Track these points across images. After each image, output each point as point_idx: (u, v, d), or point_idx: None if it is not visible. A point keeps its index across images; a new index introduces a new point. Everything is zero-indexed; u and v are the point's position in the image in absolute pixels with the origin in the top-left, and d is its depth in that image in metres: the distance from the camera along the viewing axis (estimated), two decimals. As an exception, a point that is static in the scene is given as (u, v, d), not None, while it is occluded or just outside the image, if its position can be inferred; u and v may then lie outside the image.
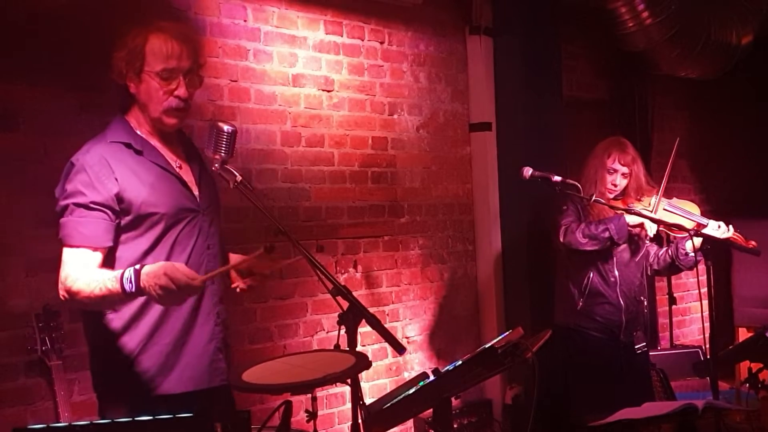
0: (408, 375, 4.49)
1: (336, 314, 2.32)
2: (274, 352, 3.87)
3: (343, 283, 2.35)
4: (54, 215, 2.48)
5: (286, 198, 4.04)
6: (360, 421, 2.33)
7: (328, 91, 4.25)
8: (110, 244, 2.43)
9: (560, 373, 4.04)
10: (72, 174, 2.44)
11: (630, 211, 3.90)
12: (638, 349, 4.12)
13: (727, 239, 3.90)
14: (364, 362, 2.22)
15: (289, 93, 4.07)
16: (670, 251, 4.09)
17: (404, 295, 4.60)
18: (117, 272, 2.32)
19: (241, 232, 3.75)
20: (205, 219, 2.61)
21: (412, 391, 2.71)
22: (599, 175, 4.02)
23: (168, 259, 2.48)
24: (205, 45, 2.68)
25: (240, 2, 3.88)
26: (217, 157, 2.47)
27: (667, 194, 4.11)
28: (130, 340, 2.49)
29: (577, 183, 3.82)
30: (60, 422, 2.85)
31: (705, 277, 3.86)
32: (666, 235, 4.31)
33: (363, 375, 3.67)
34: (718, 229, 3.88)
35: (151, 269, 2.28)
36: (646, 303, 4.20)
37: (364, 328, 2.30)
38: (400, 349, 2.23)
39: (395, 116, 4.58)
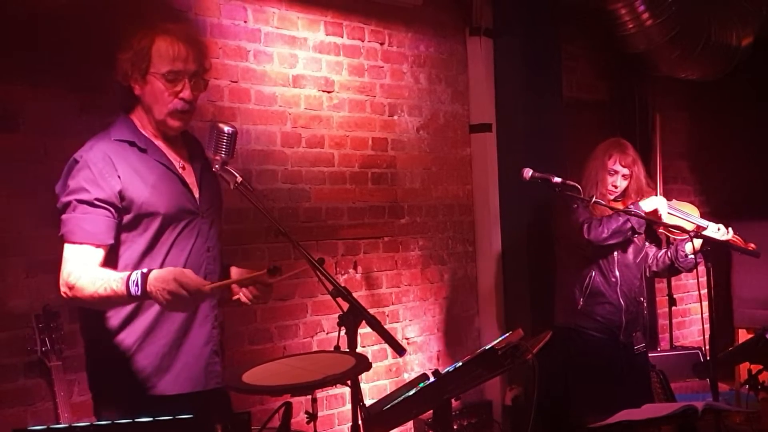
0: (408, 376, 4.49)
1: (336, 315, 2.32)
2: (274, 353, 3.87)
3: (343, 284, 2.35)
4: (55, 212, 2.47)
5: (286, 199, 4.04)
6: (360, 422, 2.33)
7: (329, 92, 4.25)
8: (112, 241, 2.43)
9: (560, 375, 4.04)
10: (75, 170, 2.44)
11: (630, 213, 3.90)
12: (637, 349, 4.12)
13: (726, 241, 3.90)
14: (364, 363, 2.22)
15: (290, 94, 4.07)
16: (669, 253, 4.09)
17: (404, 296, 4.60)
18: (122, 274, 2.32)
19: (242, 233, 3.75)
20: (205, 221, 2.60)
21: (412, 392, 2.71)
22: (600, 176, 4.02)
23: (165, 259, 2.48)
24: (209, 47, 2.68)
25: (240, 3, 3.88)
26: (218, 158, 2.47)
27: (667, 196, 4.11)
28: (127, 337, 2.48)
29: (577, 184, 3.82)
30: (60, 423, 2.85)
31: (705, 278, 3.86)
32: (665, 236, 4.32)
33: (363, 376, 3.67)
34: (717, 232, 3.89)
35: (159, 274, 2.26)
36: (645, 304, 4.20)
37: (364, 329, 2.30)
38: (400, 350, 2.23)
39: (395, 117, 4.58)
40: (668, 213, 3.95)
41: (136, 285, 2.26)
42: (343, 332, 2.29)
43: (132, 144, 2.51)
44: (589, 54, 5.75)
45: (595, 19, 5.28)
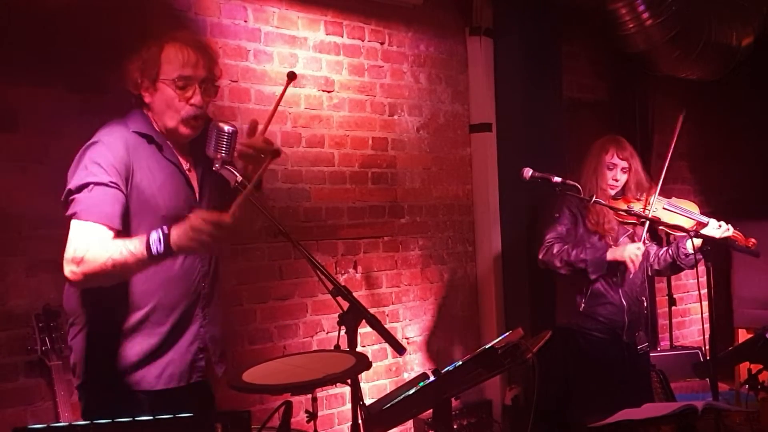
0: (408, 376, 4.49)
1: (336, 315, 2.32)
2: (274, 353, 3.87)
3: (343, 284, 2.35)
4: (59, 216, 2.45)
5: (286, 198, 4.04)
6: (360, 421, 2.33)
7: (329, 92, 4.25)
8: (121, 228, 2.42)
9: (560, 374, 4.04)
10: (95, 152, 2.43)
11: (630, 212, 3.91)
12: (641, 349, 4.12)
13: (727, 238, 3.90)
14: (364, 363, 2.22)
15: (289, 93, 4.03)
16: (670, 251, 4.09)
17: (404, 296, 4.60)
18: (138, 238, 2.31)
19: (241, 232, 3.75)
20: None
21: (412, 391, 2.71)
22: (599, 171, 4.02)
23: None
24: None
25: (240, 3, 3.88)
26: (218, 157, 2.46)
27: (667, 194, 4.11)
28: (118, 333, 2.49)
29: (577, 184, 3.83)
30: (60, 422, 2.85)
31: (705, 278, 3.87)
32: (665, 234, 4.32)
33: (363, 376, 3.67)
34: (718, 229, 3.89)
35: (178, 226, 2.27)
36: (646, 304, 4.20)
37: (364, 329, 2.30)
38: (400, 349, 2.23)
39: (395, 117, 4.58)
40: (668, 210, 3.96)
41: (159, 242, 2.27)
42: (343, 332, 2.29)
43: (149, 139, 2.52)
44: (589, 54, 5.75)
45: (595, 19, 5.28)
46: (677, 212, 4.00)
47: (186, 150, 2.63)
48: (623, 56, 5.52)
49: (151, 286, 2.50)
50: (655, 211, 3.95)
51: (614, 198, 4.05)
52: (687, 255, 3.99)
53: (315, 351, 3.82)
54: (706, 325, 3.60)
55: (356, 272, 4.36)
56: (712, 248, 3.78)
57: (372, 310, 2.48)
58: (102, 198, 2.39)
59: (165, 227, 2.30)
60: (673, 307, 5.77)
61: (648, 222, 3.94)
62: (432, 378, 2.74)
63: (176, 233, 2.27)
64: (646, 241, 4.16)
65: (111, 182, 2.40)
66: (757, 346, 4.13)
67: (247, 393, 2.82)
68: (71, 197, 2.42)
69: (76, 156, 2.49)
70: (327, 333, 4.16)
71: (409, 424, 4.39)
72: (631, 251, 3.86)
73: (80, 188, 2.40)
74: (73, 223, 2.39)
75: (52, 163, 3.15)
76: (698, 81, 5.92)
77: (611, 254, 3.90)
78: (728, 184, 6.68)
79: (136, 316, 2.51)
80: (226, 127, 2.46)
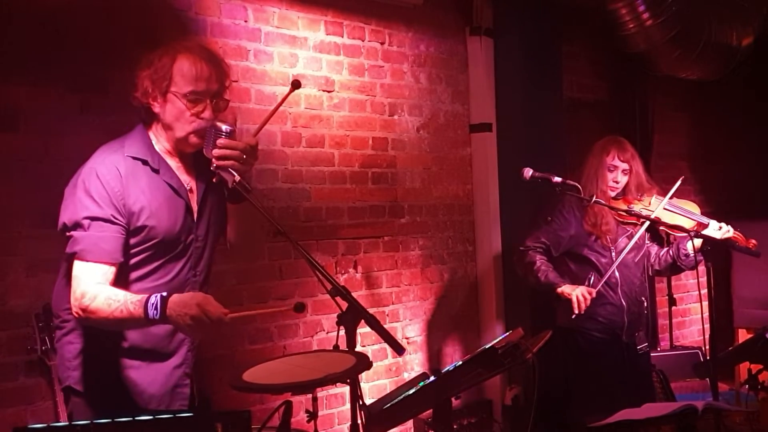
0: (408, 376, 4.49)
1: (336, 314, 2.32)
2: (274, 353, 3.87)
3: (342, 284, 2.35)
4: (56, 220, 2.44)
5: (286, 198, 4.04)
6: (360, 421, 2.33)
7: (329, 92, 4.25)
8: (123, 259, 2.41)
9: (560, 374, 4.04)
10: (89, 184, 2.39)
11: (630, 213, 3.90)
12: (641, 349, 4.12)
13: (727, 239, 3.90)
14: (364, 362, 2.22)
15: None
16: (671, 251, 4.09)
17: (404, 296, 4.60)
18: (139, 296, 2.30)
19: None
20: (199, 245, 2.58)
21: (412, 391, 2.71)
22: (600, 173, 4.02)
23: (148, 277, 2.47)
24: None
25: (241, 2, 3.88)
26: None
27: (672, 192, 4.09)
28: (107, 348, 2.49)
29: (577, 184, 3.82)
30: (60, 422, 2.85)
31: (705, 278, 3.86)
32: (666, 235, 4.32)
33: (363, 375, 3.67)
34: (719, 230, 3.89)
35: (180, 299, 2.25)
36: (646, 304, 4.20)
37: (364, 329, 2.30)
38: (399, 349, 2.23)
39: (395, 117, 4.58)
40: (669, 210, 3.97)
41: (155, 309, 2.24)
42: (342, 332, 2.28)
43: (145, 163, 2.48)
44: (589, 54, 5.75)
45: (595, 19, 5.28)
46: (678, 212, 4.00)
47: (189, 162, 2.58)
48: (623, 56, 5.51)
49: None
50: (655, 212, 3.95)
51: (614, 198, 4.05)
52: (687, 256, 3.99)
53: (315, 351, 3.82)
54: (706, 325, 3.59)
55: (356, 272, 4.36)
56: (713, 248, 3.77)
57: (372, 310, 2.49)
58: (100, 235, 2.37)
59: (164, 293, 2.27)
60: (673, 307, 5.77)
61: (647, 222, 3.94)
62: (432, 378, 2.74)
63: (174, 308, 2.23)
64: (647, 241, 4.17)
65: (106, 216, 2.37)
66: (757, 346, 4.13)
67: (247, 393, 2.82)
68: (68, 233, 2.40)
69: (71, 180, 2.46)
70: (327, 333, 4.16)
71: (409, 423, 4.39)
72: (580, 291, 3.87)
73: (76, 225, 2.38)
74: (76, 263, 2.38)
75: (52, 163, 3.16)
76: (698, 81, 5.92)
77: (561, 289, 3.94)
78: (728, 184, 6.67)
79: (125, 335, 2.50)
80: (224, 127, 2.44)
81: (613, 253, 4.02)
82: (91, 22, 3.30)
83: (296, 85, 2.58)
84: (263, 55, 3.96)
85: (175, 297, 2.26)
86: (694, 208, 4.08)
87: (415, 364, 4.63)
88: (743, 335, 5.94)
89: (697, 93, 6.38)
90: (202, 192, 2.59)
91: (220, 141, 2.42)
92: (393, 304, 4.54)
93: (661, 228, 4.04)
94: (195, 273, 2.58)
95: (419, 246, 4.68)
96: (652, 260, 4.18)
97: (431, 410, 2.87)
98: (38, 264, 3.15)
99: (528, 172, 3.83)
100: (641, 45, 5.28)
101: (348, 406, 3.00)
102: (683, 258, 4.02)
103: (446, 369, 2.76)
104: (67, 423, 2.04)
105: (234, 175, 2.40)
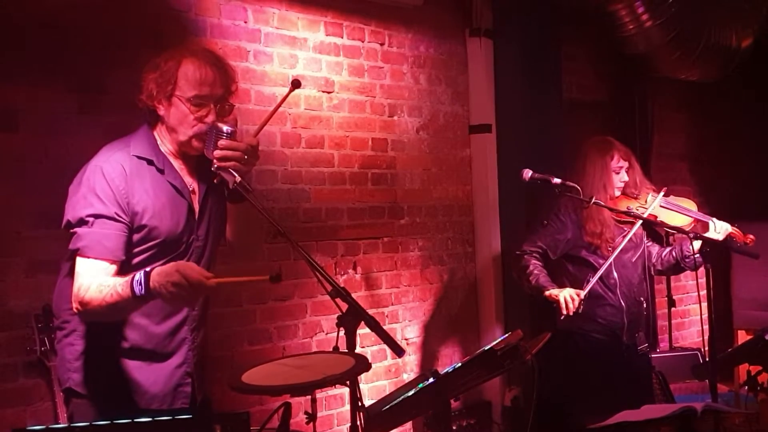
0: (407, 377, 4.49)
1: (336, 316, 2.32)
2: (274, 354, 3.87)
3: (342, 285, 2.35)
4: (59, 216, 2.45)
5: (285, 199, 4.04)
6: (359, 423, 2.33)
7: (329, 93, 4.25)
8: (124, 257, 2.42)
9: (560, 376, 4.04)
10: (93, 182, 2.40)
11: (630, 214, 3.90)
12: (641, 350, 4.12)
13: (726, 237, 3.91)
14: (363, 364, 2.22)
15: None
16: (674, 252, 4.08)
17: (404, 297, 4.60)
18: (126, 277, 2.30)
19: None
20: (198, 246, 2.59)
21: (411, 393, 2.71)
22: (606, 178, 3.98)
23: None
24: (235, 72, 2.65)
25: (240, 3, 3.88)
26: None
27: (665, 193, 4.10)
28: (107, 348, 2.49)
29: (576, 185, 3.82)
30: (59, 423, 2.85)
31: (704, 279, 3.86)
32: (666, 235, 4.32)
33: (362, 377, 3.66)
34: (716, 232, 3.89)
35: (162, 269, 2.25)
36: (645, 304, 4.20)
37: (363, 330, 2.30)
38: (398, 351, 2.22)
39: (395, 118, 4.58)
40: (665, 208, 3.97)
41: (140, 284, 2.24)
42: (341, 333, 2.28)
43: (150, 163, 2.49)
44: (589, 55, 5.75)
45: (594, 20, 5.28)
46: (674, 210, 4.00)
47: (192, 164, 2.59)
48: (623, 57, 5.51)
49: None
50: (652, 210, 3.95)
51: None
52: (689, 257, 3.99)
53: (314, 352, 3.82)
54: (706, 327, 3.60)
55: (356, 273, 4.36)
56: (712, 250, 3.77)
57: (371, 311, 2.48)
58: (103, 232, 2.38)
59: (148, 268, 2.28)
60: (673, 309, 5.77)
61: (643, 220, 3.94)
62: (431, 379, 2.74)
63: (156, 279, 2.22)
64: (645, 240, 4.17)
65: (110, 214, 2.38)
66: (756, 347, 4.13)
67: (246, 394, 2.81)
68: (72, 230, 2.41)
69: (76, 177, 2.47)
70: (326, 334, 4.15)
71: (409, 425, 4.39)
72: (567, 292, 3.85)
73: (80, 222, 2.39)
74: (78, 260, 2.38)
75: (52, 163, 3.16)
76: (698, 82, 5.93)
77: (549, 292, 3.92)
78: (728, 184, 6.68)
79: (126, 335, 2.50)
80: (225, 128, 2.45)
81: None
82: (91, 22, 3.30)
83: (296, 84, 2.58)
84: (263, 55, 3.96)
85: (157, 269, 2.25)
86: (690, 205, 4.08)
87: (414, 365, 4.62)
88: (743, 336, 5.95)
89: (696, 94, 6.38)
90: (203, 193, 2.60)
91: (222, 142, 2.42)
92: (392, 305, 4.54)
93: (661, 228, 4.04)
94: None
95: (419, 247, 4.68)
96: (654, 260, 4.17)
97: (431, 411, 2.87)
98: (38, 264, 3.14)
99: (527, 173, 3.83)
100: (641, 46, 5.28)
101: (347, 407, 3.00)
102: (687, 259, 4.01)
103: (446, 370, 2.76)
104: (66, 425, 2.04)
105: (235, 176, 2.41)
